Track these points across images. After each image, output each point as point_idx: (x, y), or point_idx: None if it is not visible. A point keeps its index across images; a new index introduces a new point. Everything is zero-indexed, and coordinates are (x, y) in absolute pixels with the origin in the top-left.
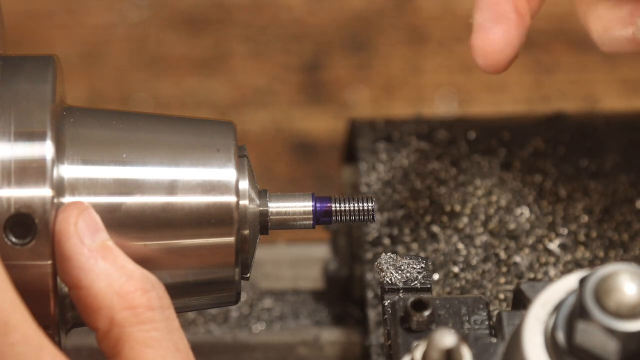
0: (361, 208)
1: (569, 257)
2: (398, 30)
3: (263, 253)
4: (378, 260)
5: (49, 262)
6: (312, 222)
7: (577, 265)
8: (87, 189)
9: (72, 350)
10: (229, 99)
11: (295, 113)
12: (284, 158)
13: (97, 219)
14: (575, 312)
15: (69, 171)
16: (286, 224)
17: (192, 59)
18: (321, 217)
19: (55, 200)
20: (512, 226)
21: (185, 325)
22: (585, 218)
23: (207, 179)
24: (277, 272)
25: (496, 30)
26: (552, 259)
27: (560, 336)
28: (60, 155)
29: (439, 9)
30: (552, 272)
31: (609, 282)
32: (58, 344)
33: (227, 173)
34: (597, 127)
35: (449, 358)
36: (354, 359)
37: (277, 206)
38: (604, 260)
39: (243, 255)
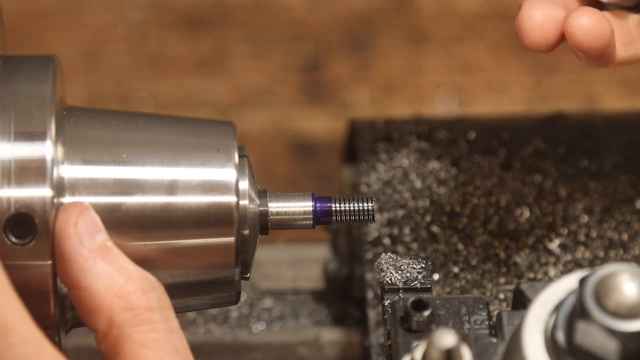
0: (361, 208)
1: (569, 257)
2: (398, 30)
3: (263, 253)
4: (378, 260)
5: (49, 262)
6: (312, 222)
7: (577, 265)
8: (87, 189)
9: (72, 350)
10: (229, 99)
11: (295, 113)
12: (284, 158)
13: (97, 219)
14: (575, 312)
15: (69, 171)
16: (286, 224)
17: (192, 59)
18: (321, 217)
19: (55, 201)
20: (512, 226)
21: (185, 325)
22: (585, 218)
23: (207, 179)
24: (277, 272)
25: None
26: (552, 259)
27: (560, 336)
28: (60, 155)
29: (439, 9)
30: (552, 272)
31: (609, 282)
32: (58, 344)
33: (227, 173)
34: (597, 127)
35: (449, 358)
36: (354, 359)
37: (277, 206)
38: (604, 260)
39: (243, 255)
